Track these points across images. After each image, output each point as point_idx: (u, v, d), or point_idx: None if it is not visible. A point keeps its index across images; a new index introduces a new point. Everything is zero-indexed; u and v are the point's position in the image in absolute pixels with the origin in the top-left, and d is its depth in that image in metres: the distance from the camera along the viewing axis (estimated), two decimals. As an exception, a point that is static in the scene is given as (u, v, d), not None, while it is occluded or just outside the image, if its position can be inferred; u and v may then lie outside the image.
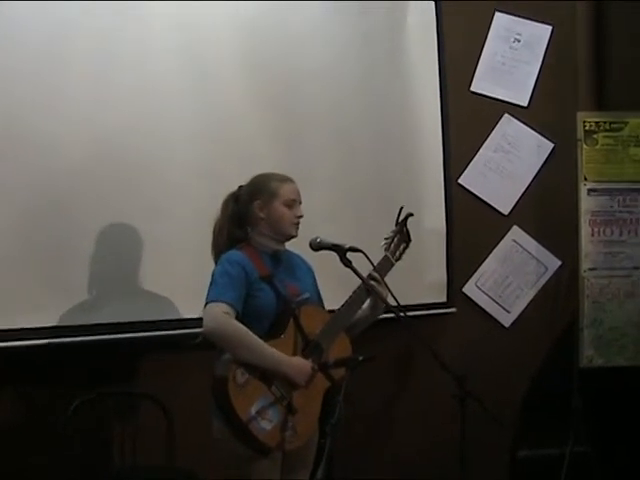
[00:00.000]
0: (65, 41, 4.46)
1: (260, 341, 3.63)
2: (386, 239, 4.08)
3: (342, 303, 3.87)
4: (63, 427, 4.27)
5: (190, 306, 4.50)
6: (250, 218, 3.88)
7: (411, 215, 4.14)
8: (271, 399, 3.65)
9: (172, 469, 4.51)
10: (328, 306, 4.02)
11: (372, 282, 3.89)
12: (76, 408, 4.33)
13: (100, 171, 4.55)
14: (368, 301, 3.95)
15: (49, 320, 4.40)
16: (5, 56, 4.31)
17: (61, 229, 4.44)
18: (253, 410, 3.59)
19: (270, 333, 3.71)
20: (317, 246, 3.83)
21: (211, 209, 3.97)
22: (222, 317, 3.60)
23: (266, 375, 3.64)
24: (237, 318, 3.64)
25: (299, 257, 4.02)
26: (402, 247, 4.12)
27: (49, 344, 4.37)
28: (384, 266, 4.00)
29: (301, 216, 3.89)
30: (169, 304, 4.67)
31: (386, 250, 4.05)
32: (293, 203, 3.88)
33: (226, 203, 3.94)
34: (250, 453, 3.64)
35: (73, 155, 4.47)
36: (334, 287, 4.05)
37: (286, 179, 3.91)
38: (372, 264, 3.86)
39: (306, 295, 3.87)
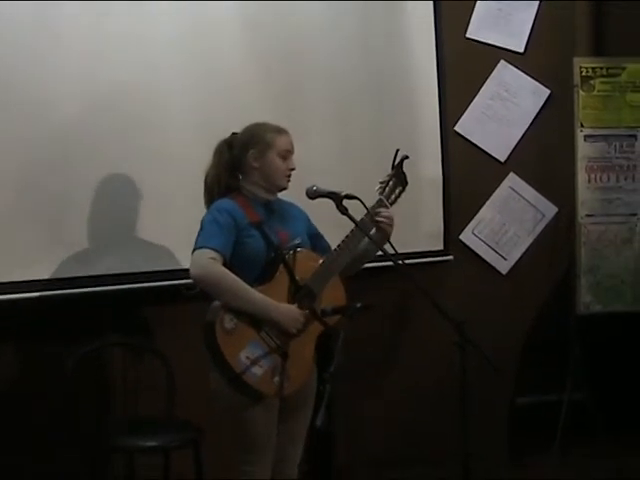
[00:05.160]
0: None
1: (247, 287, 3.63)
2: (381, 183, 4.00)
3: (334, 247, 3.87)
4: (63, 379, 4.28)
5: (188, 256, 4.50)
6: (243, 167, 3.86)
7: (407, 158, 4.04)
8: (261, 345, 3.65)
9: (172, 420, 4.52)
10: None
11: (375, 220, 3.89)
12: (76, 360, 4.34)
13: (96, 123, 4.53)
14: (362, 244, 3.92)
15: (46, 273, 4.40)
16: (1, 8, 4.27)
17: (58, 181, 4.43)
18: (243, 356, 3.60)
19: (260, 279, 3.71)
20: (313, 194, 3.81)
21: (206, 159, 3.94)
22: (208, 263, 3.60)
23: (255, 320, 3.64)
24: (225, 265, 3.64)
25: (292, 205, 4.00)
26: (398, 191, 4.03)
27: (46, 296, 4.37)
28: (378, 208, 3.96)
29: (293, 168, 3.87)
30: (167, 254, 4.67)
31: (380, 194, 3.98)
32: (287, 154, 3.86)
33: (219, 150, 3.91)
34: (244, 400, 3.66)
35: (69, 107, 4.45)
36: (330, 235, 4.04)
37: (282, 130, 3.89)
38: (368, 210, 3.83)
39: (297, 240, 3.85)
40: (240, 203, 3.78)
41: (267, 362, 3.66)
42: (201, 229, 3.71)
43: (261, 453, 3.75)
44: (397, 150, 4.06)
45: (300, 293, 3.75)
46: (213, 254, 3.62)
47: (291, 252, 3.77)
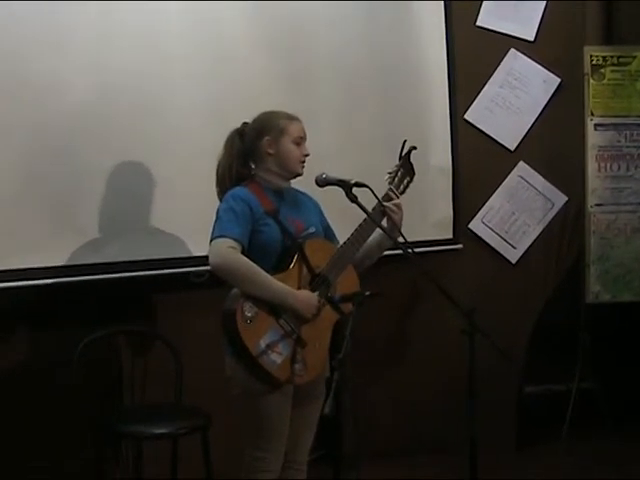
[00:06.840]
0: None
1: (266, 275, 3.64)
2: (390, 173, 4.05)
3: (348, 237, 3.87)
4: (71, 366, 4.29)
5: (197, 244, 4.52)
6: (257, 155, 3.86)
7: (414, 148, 4.08)
8: (280, 332, 3.67)
9: (180, 407, 4.53)
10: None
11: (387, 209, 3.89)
12: (84, 347, 4.35)
13: (106, 111, 4.52)
14: (375, 235, 3.94)
15: (57, 259, 4.40)
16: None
17: (68, 169, 4.42)
18: (262, 343, 3.61)
19: (276, 267, 3.72)
20: (323, 182, 3.82)
21: (215, 147, 3.94)
22: (228, 252, 3.61)
23: (274, 308, 3.66)
24: (243, 253, 3.65)
25: (304, 194, 4.02)
26: (406, 181, 4.08)
27: (54, 283, 4.38)
28: (388, 200, 3.98)
29: (308, 154, 3.88)
30: (176, 242, 4.67)
31: (390, 184, 4.01)
32: (301, 141, 3.87)
33: (231, 140, 3.92)
34: (261, 387, 3.68)
35: (79, 95, 4.43)
36: (341, 223, 4.05)
37: (294, 117, 3.90)
38: (377, 199, 3.83)
39: (311, 230, 3.88)
40: (254, 191, 3.79)
41: (286, 350, 3.67)
42: (217, 218, 3.72)
43: (274, 440, 3.76)
44: (405, 141, 4.09)
45: (316, 281, 3.77)
46: (232, 243, 3.63)
47: (306, 241, 3.78)
